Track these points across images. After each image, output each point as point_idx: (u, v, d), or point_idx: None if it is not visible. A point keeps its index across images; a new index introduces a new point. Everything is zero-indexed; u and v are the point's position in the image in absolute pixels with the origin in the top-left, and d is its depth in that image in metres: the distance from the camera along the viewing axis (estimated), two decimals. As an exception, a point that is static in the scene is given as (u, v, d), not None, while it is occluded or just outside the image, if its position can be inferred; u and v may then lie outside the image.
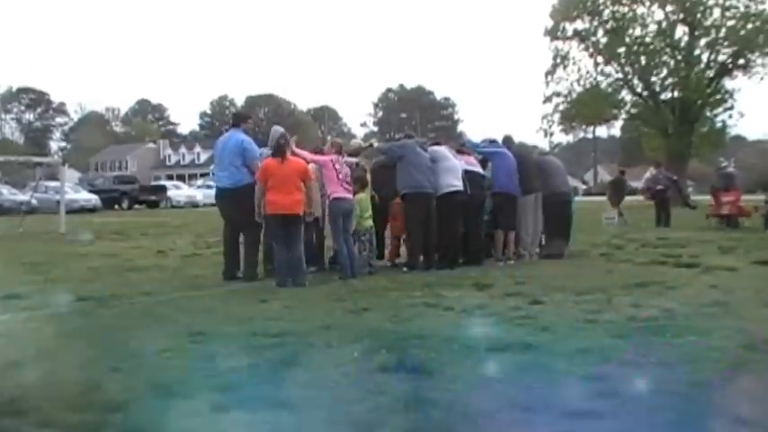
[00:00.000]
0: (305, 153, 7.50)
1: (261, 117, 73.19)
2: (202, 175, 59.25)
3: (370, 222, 7.88)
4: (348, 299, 5.91)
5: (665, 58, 31.06)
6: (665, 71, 31.18)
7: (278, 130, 7.82)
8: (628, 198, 19.21)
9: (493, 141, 9.40)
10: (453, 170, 8.38)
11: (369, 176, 8.24)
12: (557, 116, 33.48)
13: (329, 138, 8.87)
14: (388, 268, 8.34)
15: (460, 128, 79.11)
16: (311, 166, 7.62)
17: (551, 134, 33.56)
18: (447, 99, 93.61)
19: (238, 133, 7.46)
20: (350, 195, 7.48)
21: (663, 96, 31.82)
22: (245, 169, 7.18)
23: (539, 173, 9.31)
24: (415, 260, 8.12)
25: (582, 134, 43.19)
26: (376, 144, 8.75)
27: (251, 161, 7.14)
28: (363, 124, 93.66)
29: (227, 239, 7.50)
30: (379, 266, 8.45)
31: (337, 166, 7.48)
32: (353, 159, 8.17)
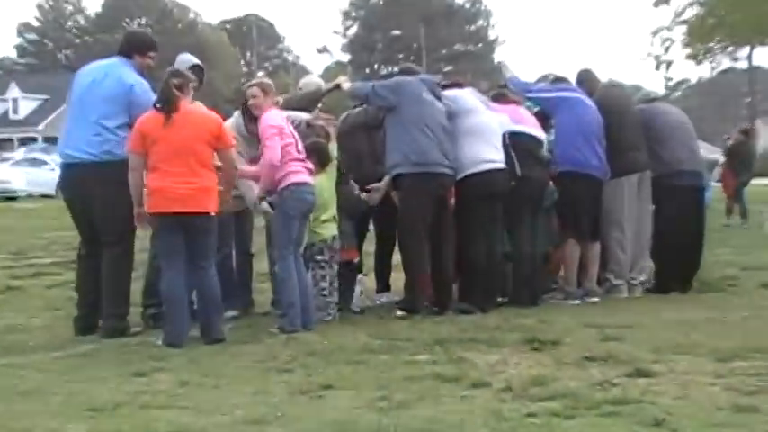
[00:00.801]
0: (248, 169, 7.61)
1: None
2: (25, 143, 59.00)
3: (332, 230, 7.94)
4: (297, 368, 5.94)
5: None
6: None
7: (184, 60, 7.86)
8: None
9: (559, 81, 9.47)
10: (487, 132, 8.47)
11: (334, 146, 8.27)
12: (679, 31, 33.54)
13: (259, 75, 8.77)
14: (374, 310, 8.42)
15: (499, 56, 79.31)
16: (229, 124, 7.64)
17: (669, 65, 33.56)
18: (475, 4, 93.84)
19: (125, 68, 7.55)
20: (311, 177, 7.55)
21: None
22: (129, 134, 7.21)
23: (644, 136, 9.40)
24: (417, 296, 8.20)
25: (728, 62, 43.25)
26: (346, 85, 8.74)
27: None
28: (323, 50, 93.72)
29: (83, 261, 7.58)
30: (352, 308, 8.50)
31: (289, 129, 7.56)
32: (303, 116, 8.20)
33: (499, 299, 8.55)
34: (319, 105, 8.84)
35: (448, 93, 8.64)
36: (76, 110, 7.51)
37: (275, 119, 7.48)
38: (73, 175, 7.47)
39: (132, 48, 7.71)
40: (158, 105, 6.94)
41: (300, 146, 7.56)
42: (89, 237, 7.52)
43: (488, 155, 8.36)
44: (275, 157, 7.30)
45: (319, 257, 7.85)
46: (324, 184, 7.84)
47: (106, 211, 7.23)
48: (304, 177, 7.46)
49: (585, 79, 9.56)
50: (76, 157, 7.37)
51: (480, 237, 8.36)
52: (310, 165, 7.59)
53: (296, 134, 7.61)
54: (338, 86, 8.68)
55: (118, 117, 7.31)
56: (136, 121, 7.12)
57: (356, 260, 8.55)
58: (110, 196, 7.15)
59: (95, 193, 7.27)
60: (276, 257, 7.64)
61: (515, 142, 8.58)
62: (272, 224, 7.74)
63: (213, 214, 6.99)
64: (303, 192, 7.43)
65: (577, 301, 8.81)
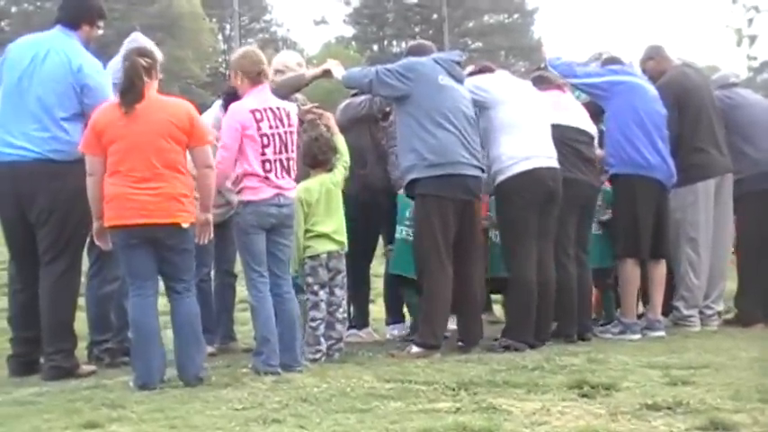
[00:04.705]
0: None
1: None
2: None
3: (328, 245, 7.98)
4: (288, 418, 5.94)
5: None
6: None
7: (139, 42, 7.87)
8: None
9: (612, 61, 9.52)
10: (531, 122, 8.55)
11: (341, 139, 8.26)
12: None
13: (245, 47, 8.58)
14: (383, 346, 8.47)
15: (537, 32, 79.24)
16: (208, 116, 7.61)
17: (753, 40, 33.37)
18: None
19: (69, 43, 7.58)
20: (286, 191, 7.52)
21: None
22: (81, 128, 7.25)
23: (723, 131, 9.40)
24: (435, 330, 8.22)
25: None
26: (338, 71, 8.62)
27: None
28: (321, 21, 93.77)
29: (17, 284, 7.65)
30: (358, 342, 8.67)
31: (269, 124, 7.44)
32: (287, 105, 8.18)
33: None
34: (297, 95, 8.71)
35: (474, 80, 8.71)
36: (13, 96, 7.52)
37: (239, 114, 7.42)
38: (8, 176, 7.46)
39: (81, 15, 7.72)
40: (122, 94, 6.90)
41: (277, 146, 7.43)
42: (24, 257, 7.57)
43: (534, 149, 8.41)
44: (225, 170, 7.37)
45: (310, 280, 7.91)
46: (312, 186, 7.90)
47: (48, 219, 7.30)
48: (264, 194, 7.39)
49: (653, 58, 9.58)
50: (13, 155, 7.40)
51: (531, 254, 8.41)
52: (281, 178, 7.45)
53: (281, 132, 7.46)
54: (327, 73, 8.57)
55: (67, 105, 7.37)
56: (89, 110, 7.17)
57: None
58: (54, 201, 7.23)
59: (37, 197, 7.33)
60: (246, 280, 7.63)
61: (557, 136, 8.62)
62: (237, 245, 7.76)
63: (186, 226, 6.99)
64: (260, 205, 7.39)
65: (637, 336, 8.85)
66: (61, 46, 7.51)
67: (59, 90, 7.37)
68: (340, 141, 8.15)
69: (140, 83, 6.87)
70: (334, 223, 7.96)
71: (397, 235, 8.67)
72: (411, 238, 8.47)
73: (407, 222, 8.53)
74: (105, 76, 7.53)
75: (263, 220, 7.40)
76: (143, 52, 7.13)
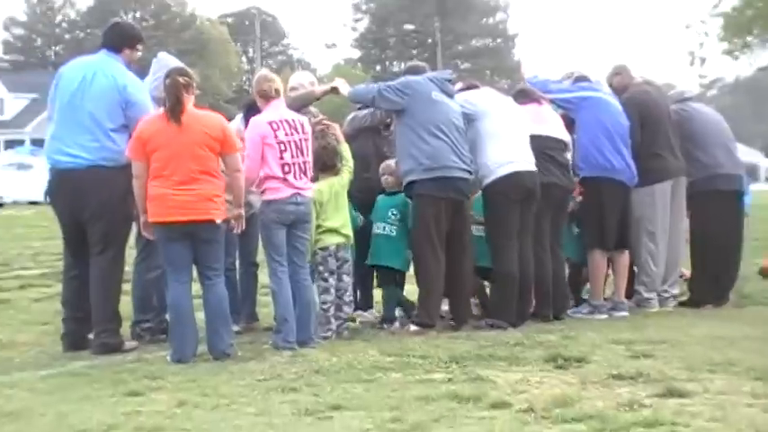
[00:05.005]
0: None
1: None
2: (11, 145, 59.01)
3: (336, 238, 8.00)
4: (303, 387, 5.98)
5: None
6: None
7: (166, 60, 7.87)
8: None
9: (581, 79, 9.48)
10: (512, 132, 8.52)
11: (346, 147, 8.25)
12: (716, 24, 33.29)
13: (261, 70, 8.64)
14: (382, 327, 8.45)
15: (518, 54, 79.16)
16: (234, 126, 7.64)
17: (703, 61, 33.38)
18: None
19: (114, 65, 7.61)
20: (303, 191, 7.57)
21: None
22: (126, 138, 7.31)
23: (678, 140, 9.40)
24: (430, 312, 8.23)
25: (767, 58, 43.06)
26: (345, 88, 8.63)
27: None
28: (331, 45, 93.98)
29: (70, 272, 7.69)
30: (365, 322, 8.64)
31: (285, 132, 7.51)
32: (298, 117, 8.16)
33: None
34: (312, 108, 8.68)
35: (464, 95, 8.68)
36: (67, 112, 7.52)
37: (259, 127, 7.48)
38: (64, 180, 7.51)
39: (123, 40, 7.76)
40: (169, 108, 6.94)
41: (293, 151, 7.47)
42: (77, 249, 7.59)
43: (515, 155, 8.39)
44: (251, 176, 7.39)
45: (321, 268, 7.92)
46: (323, 188, 7.88)
47: (99, 216, 7.32)
48: (283, 193, 7.45)
49: (619, 74, 9.57)
50: (69, 162, 7.42)
51: (514, 249, 8.39)
52: (299, 179, 7.50)
53: (296, 139, 7.51)
54: (334, 90, 8.61)
55: (114, 119, 7.39)
56: (132, 122, 7.23)
57: None
58: (104, 201, 7.25)
59: (89, 198, 7.34)
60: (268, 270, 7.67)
61: (535, 146, 8.59)
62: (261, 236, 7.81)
63: (218, 222, 7.05)
64: (280, 203, 7.45)
65: (604, 316, 8.84)
66: (107, 68, 7.53)
67: (108, 106, 7.39)
68: (345, 149, 8.15)
69: (182, 98, 6.93)
70: (341, 219, 7.98)
71: (379, 231, 8.60)
72: (393, 234, 8.43)
73: (389, 220, 8.48)
74: (145, 93, 7.57)
75: (283, 217, 7.46)
76: (182, 72, 7.17)
